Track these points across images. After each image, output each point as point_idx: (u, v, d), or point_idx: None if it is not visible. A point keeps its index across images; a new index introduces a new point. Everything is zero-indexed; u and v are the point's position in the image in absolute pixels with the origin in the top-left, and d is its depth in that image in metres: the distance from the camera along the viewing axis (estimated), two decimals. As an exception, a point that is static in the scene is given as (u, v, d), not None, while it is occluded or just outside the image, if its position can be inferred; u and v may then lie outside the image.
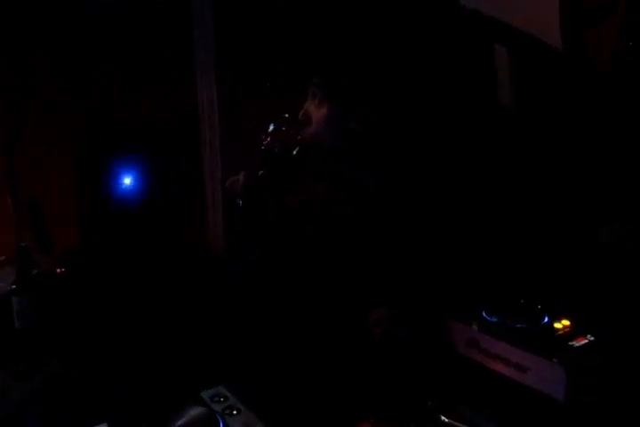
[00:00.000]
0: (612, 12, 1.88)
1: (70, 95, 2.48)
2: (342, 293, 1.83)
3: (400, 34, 1.94)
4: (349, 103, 1.79)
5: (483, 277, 1.83)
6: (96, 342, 1.83)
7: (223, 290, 2.01)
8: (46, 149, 2.42)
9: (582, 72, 1.93)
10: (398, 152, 1.91)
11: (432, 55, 1.99)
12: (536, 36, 1.90)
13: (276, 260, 1.85)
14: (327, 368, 1.62)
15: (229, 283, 2.00)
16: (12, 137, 2.33)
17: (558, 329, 1.61)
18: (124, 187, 2.33)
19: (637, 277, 1.73)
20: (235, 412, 1.37)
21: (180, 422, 1.27)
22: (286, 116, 1.81)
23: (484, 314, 1.66)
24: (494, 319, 1.64)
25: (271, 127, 1.78)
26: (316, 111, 1.82)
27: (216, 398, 1.42)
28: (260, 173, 1.76)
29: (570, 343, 1.55)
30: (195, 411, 1.31)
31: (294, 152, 1.75)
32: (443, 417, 1.43)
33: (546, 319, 1.64)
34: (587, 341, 1.57)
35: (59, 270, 2.11)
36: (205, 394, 1.44)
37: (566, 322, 1.63)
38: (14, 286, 1.90)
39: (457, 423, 1.42)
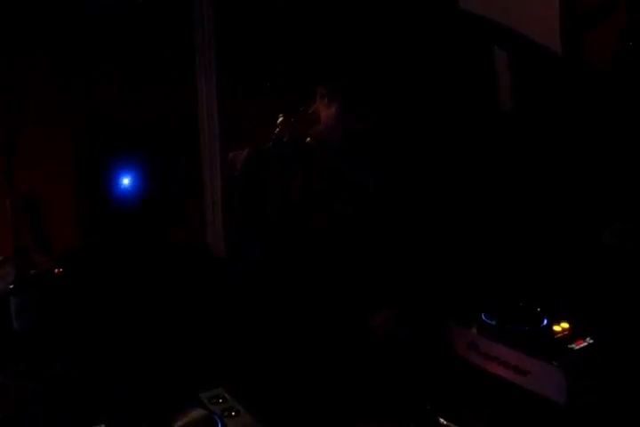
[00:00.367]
0: (612, 13, 1.87)
1: (70, 95, 2.48)
2: (343, 293, 1.83)
3: (400, 36, 1.94)
4: (350, 103, 1.80)
5: (482, 280, 1.83)
6: (95, 343, 1.83)
7: (223, 290, 2.01)
8: (45, 149, 2.41)
9: (581, 75, 1.93)
10: (398, 153, 1.92)
11: (432, 58, 1.99)
12: (535, 39, 1.90)
13: (274, 252, 1.85)
14: (327, 370, 1.62)
15: (229, 283, 2.00)
16: (12, 137, 2.33)
17: (557, 332, 1.61)
18: (123, 187, 2.33)
19: (637, 279, 1.72)
20: (233, 413, 1.37)
21: (179, 424, 1.27)
22: (301, 109, 1.83)
23: (483, 317, 1.66)
24: (494, 322, 1.64)
25: (280, 118, 1.80)
26: (324, 110, 1.83)
27: (215, 400, 1.42)
28: (268, 145, 1.77)
29: (569, 346, 1.55)
30: (194, 412, 1.31)
31: (306, 140, 1.77)
32: (442, 419, 1.42)
33: (545, 322, 1.64)
34: (586, 343, 1.57)
35: (57, 270, 2.11)
36: (204, 396, 1.43)
37: (565, 325, 1.63)
38: (12, 286, 1.90)
39: (456, 426, 1.41)
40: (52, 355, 1.83)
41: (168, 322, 1.91)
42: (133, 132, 2.48)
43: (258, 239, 1.91)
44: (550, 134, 1.99)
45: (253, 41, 2.38)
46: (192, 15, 2.51)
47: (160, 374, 1.64)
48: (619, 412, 1.44)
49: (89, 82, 2.50)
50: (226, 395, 1.44)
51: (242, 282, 1.99)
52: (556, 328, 1.62)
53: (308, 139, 1.81)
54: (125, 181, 2.33)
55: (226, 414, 1.37)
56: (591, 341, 1.57)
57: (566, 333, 1.61)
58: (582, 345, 1.56)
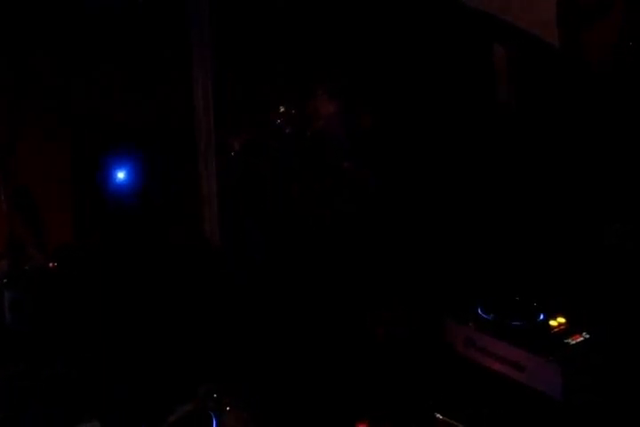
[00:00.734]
0: (610, 10, 1.87)
1: (70, 95, 2.49)
2: (343, 292, 1.83)
3: (400, 33, 1.94)
4: (350, 101, 1.81)
5: (479, 275, 1.83)
6: (91, 338, 1.83)
7: (219, 285, 2.01)
8: (44, 147, 2.41)
9: (581, 72, 1.93)
10: (398, 153, 1.92)
11: (431, 54, 1.99)
12: (534, 35, 1.90)
13: (275, 245, 1.86)
14: (324, 367, 1.62)
15: (226, 279, 2.00)
16: (10, 132, 2.33)
17: (554, 327, 1.61)
18: (119, 182, 2.33)
19: (634, 275, 1.72)
20: (228, 409, 1.37)
21: (172, 419, 1.27)
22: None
23: (479, 312, 1.66)
24: (490, 317, 1.64)
25: (282, 108, 1.80)
26: (324, 108, 1.84)
27: (209, 395, 1.42)
28: (268, 131, 1.77)
29: (565, 341, 1.55)
30: (188, 407, 1.31)
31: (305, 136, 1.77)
32: (438, 415, 1.42)
33: (541, 317, 1.64)
34: (582, 338, 1.57)
35: (52, 265, 2.11)
36: (199, 391, 1.44)
37: (562, 320, 1.63)
38: (6, 281, 1.90)
39: (453, 421, 1.41)
40: (52, 355, 1.83)
41: (164, 317, 1.91)
42: (130, 128, 2.48)
43: (258, 233, 1.91)
44: (550, 133, 1.99)
45: (252, 40, 2.38)
46: (190, 15, 2.51)
47: (155, 369, 1.64)
48: (615, 407, 1.44)
49: (89, 82, 2.50)
50: (220, 390, 1.44)
51: (242, 282, 1.99)
52: (553, 323, 1.62)
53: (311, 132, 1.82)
54: (121, 176, 2.33)
55: (220, 409, 1.37)
56: (587, 336, 1.57)
57: (562, 328, 1.61)
58: (578, 340, 1.56)
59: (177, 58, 2.56)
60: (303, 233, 1.90)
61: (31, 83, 2.45)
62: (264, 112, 1.93)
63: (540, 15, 1.89)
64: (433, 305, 1.78)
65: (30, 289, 1.92)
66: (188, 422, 1.27)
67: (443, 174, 1.95)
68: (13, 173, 2.26)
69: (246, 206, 1.94)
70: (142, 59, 2.52)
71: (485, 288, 1.78)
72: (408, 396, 1.50)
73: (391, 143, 1.91)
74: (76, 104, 2.49)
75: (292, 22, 2.23)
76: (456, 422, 1.41)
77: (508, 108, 2.05)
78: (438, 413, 1.42)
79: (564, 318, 1.63)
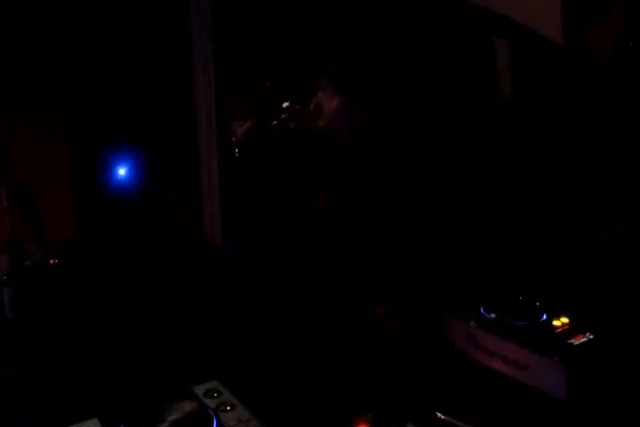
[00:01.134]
0: (610, 9, 1.87)
1: (70, 95, 2.48)
2: (342, 289, 1.83)
3: (402, 27, 1.94)
4: (354, 94, 1.80)
5: (481, 274, 1.82)
6: (90, 337, 1.82)
7: (218, 282, 2.00)
8: (44, 144, 2.41)
9: (582, 69, 1.92)
10: (399, 153, 1.91)
11: (431, 50, 1.99)
12: (537, 31, 1.90)
13: (276, 239, 1.85)
14: (324, 364, 1.61)
15: (226, 277, 1.99)
16: (9, 134, 2.33)
17: (557, 327, 1.60)
18: (119, 180, 2.33)
19: (636, 275, 1.72)
20: (229, 408, 1.35)
21: (172, 418, 1.25)
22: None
23: (482, 311, 1.65)
24: (492, 316, 1.63)
25: (285, 104, 1.79)
26: (327, 102, 1.83)
27: (210, 394, 1.40)
28: (273, 123, 1.76)
29: (569, 341, 1.54)
30: (188, 406, 1.29)
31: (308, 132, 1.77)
32: (439, 414, 1.41)
33: (544, 317, 1.63)
34: (586, 339, 1.56)
35: (52, 261, 2.10)
36: (199, 389, 1.42)
37: (565, 320, 1.62)
38: (6, 277, 1.89)
39: (454, 421, 1.40)
40: (52, 355, 1.82)
41: (163, 314, 1.90)
42: (133, 131, 2.48)
43: (260, 231, 1.91)
44: (550, 132, 1.99)
45: (253, 38, 2.38)
46: (191, 14, 2.52)
47: (153, 366, 1.63)
48: (618, 408, 1.43)
49: (89, 82, 2.50)
50: (221, 388, 1.43)
51: (242, 281, 1.98)
52: (556, 323, 1.61)
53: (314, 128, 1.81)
54: (121, 173, 2.33)
55: (221, 408, 1.35)
56: (591, 336, 1.56)
57: (566, 327, 1.60)
58: (582, 340, 1.55)
59: (177, 58, 2.56)
60: (305, 232, 1.89)
61: (31, 83, 2.44)
62: (267, 108, 1.93)
63: (542, 10, 1.88)
64: (434, 304, 1.78)
65: (30, 285, 1.91)
66: (188, 421, 1.25)
67: (444, 173, 1.95)
68: (13, 171, 2.25)
69: (248, 204, 1.94)
70: (142, 59, 2.52)
71: (488, 287, 1.77)
72: (408, 395, 1.48)
73: (392, 142, 1.91)
74: (76, 104, 2.48)
75: (293, 20, 2.23)
76: (457, 421, 1.40)
77: (509, 105, 2.05)
78: (439, 412, 1.41)
79: (568, 318, 1.62)
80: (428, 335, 1.71)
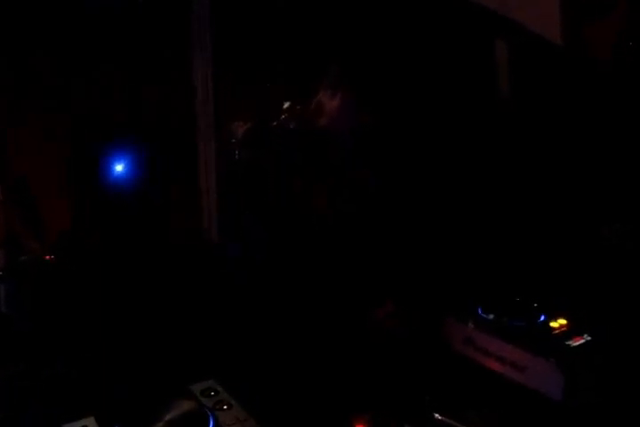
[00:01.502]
0: (612, 9, 1.87)
1: (70, 95, 2.49)
2: (342, 290, 1.82)
3: (400, 29, 1.94)
4: (356, 94, 1.80)
5: (480, 275, 1.82)
6: (86, 333, 1.82)
7: (215, 280, 2.00)
8: (40, 139, 2.42)
9: (582, 68, 1.92)
10: (399, 153, 1.91)
11: (431, 50, 1.99)
12: (536, 31, 1.90)
13: (276, 240, 1.85)
14: (321, 364, 1.61)
15: (226, 277, 1.99)
16: (9, 134, 2.34)
17: (555, 328, 1.59)
18: (118, 177, 2.33)
19: (635, 276, 1.71)
20: (225, 407, 1.35)
21: (168, 417, 1.24)
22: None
23: (480, 312, 1.65)
24: (490, 317, 1.63)
25: (286, 104, 1.79)
26: (329, 102, 1.82)
27: (206, 393, 1.40)
28: (273, 124, 1.76)
29: (567, 343, 1.54)
30: (184, 405, 1.29)
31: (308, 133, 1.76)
32: (437, 415, 1.41)
33: (542, 318, 1.63)
34: (583, 340, 1.55)
35: (48, 257, 2.10)
36: (195, 388, 1.41)
37: (563, 321, 1.61)
38: (2, 273, 1.89)
39: (451, 421, 1.40)
40: (52, 355, 1.83)
41: (160, 312, 1.90)
42: (133, 130, 2.49)
43: (260, 228, 1.90)
44: (550, 132, 1.99)
45: (253, 39, 2.39)
46: (190, 14, 2.52)
47: (150, 365, 1.63)
48: (615, 408, 1.43)
49: (89, 82, 2.51)
50: (218, 387, 1.42)
51: (242, 281, 1.98)
52: (554, 324, 1.60)
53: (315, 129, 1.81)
54: (119, 168, 2.33)
55: (217, 407, 1.35)
56: (589, 338, 1.56)
57: (564, 329, 1.59)
58: (580, 342, 1.55)
59: (177, 58, 2.57)
60: (305, 232, 1.89)
61: (31, 83, 2.45)
62: (266, 108, 1.93)
63: (542, 10, 1.89)
64: (433, 305, 1.78)
65: (27, 281, 1.92)
66: (185, 420, 1.25)
67: (443, 173, 1.95)
68: (11, 168, 2.26)
69: (248, 204, 1.93)
70: (142, 59, 2.52)
71: (486, 288, 1.77)
72: (406, 395, 1.48)
73: (392, 142, 1.91)
74: (76, 104, 2.49)
75: (292, 20, 2.23)
76: (455, 422, 1.39)
77: (508, 104, 2.05)
78: (437, 413, 1.41)
79: (565, 319, 1.62)
80: (428, 336, 1.71)
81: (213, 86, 2.48)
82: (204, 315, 1.89)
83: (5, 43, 2.36)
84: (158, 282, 2.05)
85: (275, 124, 1.84)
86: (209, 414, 1.27)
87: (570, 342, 1.54)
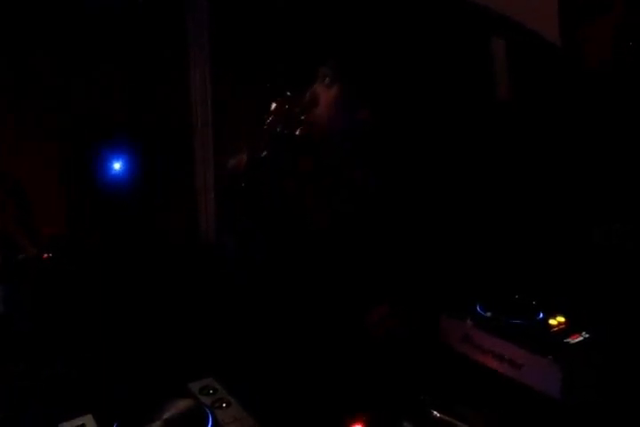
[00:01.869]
0: (610, 9, 1.87)
1: (70, 95, 2.49)
2: (341, 290, 1.83)
3: (396, 27, 1.94)
4: (360, 86, 1.79)
5: (478, 273, 1.82)
6: (84, 332, 1.82)
7: (213, 278, 2.00)
8: (40, 139, 2.42)
9: (580, 69, 1.92)
10: (398, 153, 1.91)
11: (428, 49, 1.99)
12: (534, 30, 1.90)
13: (274, 246, 1.85)
14: (319, 362, 1.61)
15: (226, 277, 1.99)
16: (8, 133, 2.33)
17: (553, 326, 1.60)
18: (117, 177, 2.33)
19: (634, 274, 1.72)
20: (224, 405, 1.35)
21: (166, 416, 1.25)
22: (288, 94, 1.82)
23: (478, 309, 1.65)
24: (489, 315, 1.63)
25: (273, 105, 1.79)
26: (324, 92, 1.82)
27: (205, 391, 1.40)
28: (264, 154, 1.76)
29: (565, 340, 1.54)
30: (182, 404, 1.29)
31: (297, 132, 1.76)
32: (435, 412, 1.41)
33: (540, 315, 1.63)
34: (582, 338, 1.56)
35: (45, 256, 2.10)
36: (194, 386, 1.42)
37: (561, 319, 1.62)
38: None
39: (450, 419, 1.40)
40: (52, 355, 1.83)
41: (158, 310, 1.90)
42: (132, 130, 2.49)
43: (256, 232, 1.90)
44: (550, 131, 1.99)
45: (251, 39, 2.39)
46: (189, 15, 2.52)
47: (147, 363, 1.63)
48: (614, 406, 1.43)
49: (89, 82, 2.51)
50: (217, 385, 1.42)
51: (242, 281, 1.98)
52: (552, 322, 1.61)
53: (300, 129, 1.80)
54: (115, 166, 2.34)
55: (216, 405, 1.35)
56: (587, 335, 1.56)
57: (562, 327, 1.60)
58: (578, 340, 1.55)
59: (177, 58, 2.57)
60: (301, 233, 1.89)
61: (31, 83, 2.45)
62: (263, 110, 1.92)
63: (541, 9, 1.88)
64: (432, 304, 1.78)
65: (24, 280, 1.92)
66: (184, 418, 1.25)
67: (441, 176, 1.95)
68: (5, 167, 2.26)
69: (242, 208, 1.93)
70: (142, 59, 2.52)
71: (484, 286, 1.77)
72: (405, 393, 1.49)
73: (390, 141, 1.91)
74: (76, 104, 2.49)
75: (290, 21, 2.23)
76: (453, 419, 1.40)
77: (506, 104, 2.05)
78: (435, 410, 1.41)
79: (564, 317, 1.62)
80: (424, 334, 1.71)
81: (212, 86, 2.48)
82: (202, 314, 1.89)
83: (5, 43, 2.36)
84: (157, 281, 2.05)
85: (269, 126, 1.84)
86: (208, 412, 1.27)
87: (568, 340, 1.54)
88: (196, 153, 2.49)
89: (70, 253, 2.16)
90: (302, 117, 1.80)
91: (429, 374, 1.58)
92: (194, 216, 2.45)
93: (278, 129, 1.78)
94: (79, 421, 1.30)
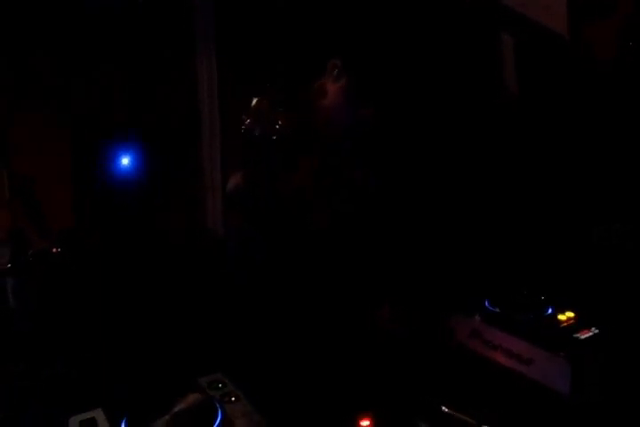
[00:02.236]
0: (614, 10, 1.88)
1: (70, 95, 2.48)
2: (342, 290, 1.82)
3: (403, 21, 1.93)
4: (367, 82, 1.79)
5: (486, 268, 1.82)
6: (93, 326, 1.81)
7: (222, 274, 2.00)
8: (43, 131, 2.41)
9: (584, 68, 1.93)
10: (399, 153, 1.91)
11: (436, 43, 1.99)
12: (543, 24, 1.90)
13: (274, 248, 1.84)
14: (328, 358, 1.60)
15: (226, 277, 1.99)
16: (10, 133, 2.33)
17: (562, 321, 1.59)
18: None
19: (634, 273, 1.72)
20: (233, 399, 1.35)
21: (177, 409, 1.24)
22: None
23: (487, 305, 1.65)
24: (497, 310, 1.62)
25: (254, 101, 1.78)
26: (332, 84, 1.82)
27: (214, 385, 1.40)
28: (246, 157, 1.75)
29: (575, 336, 1.53)
30: (192, 398, 1.29)
31: (274, 137, 1.75)
32: (444, 408, 1.40)
33: (550, 311, 1.62)
34: (591, 333, 1.55)
35: (54, 250, 2.10)
36: (203, 380, 1.42)
37: (571, 314, 1.61)
38: (9, 267, 1.88)
39: (459, 414, 1.39)
40: (52, 355, 1.82)
41: (167, 306, 1.89)
42: (133, 131, 2.48)
43: (258, 237, 1.90)
44: (555, 129, 1.99)
45: (256, 39, 2.39)
46: (193, 14, 2.52)
47: (158, 358, 1.62)
48: (623, 403, 1.43)
49: (89, 82, 2.50)
50: (225, 380, 1.42)
51: (242, 281, 1.97)
52: (561, 317, 1.60)
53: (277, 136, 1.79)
54: (123, 163, 2.33)
55: (225, 399, 1.35)
56: (596, 331, 1.56)
57: (571, 322, 1.59)
58: (588, 335, 1.54)
59: (177, 58, 2.57)
60: (303, 232, 1.88)
61: (31, 83, 2.44)
62: (268, 108, 1.92)
63: (549, 4, 1.89)
64: (435, 303, 1.77)
65: (34, 274, 1.91)
66: (194, 412, 1.24)
67: (446, 170, 1.95)
68: (15, 164, 2.25)
69: (242, 204, 1.93)
70: (142, 59, 2.52)
71: (493, 281, 1.77)
72: (412, 389, 1.48)
73: (391, 141, 1.90)
74: (76, 104, 2.49)
75: (293, 20, 2.23)
76: (462, 415, 1.39)
77: (513, 100, 2.05)
78: (444, 406, 1.40)
79: (573, 312, 1.61)
80: (432, 332, 1.71)
81: (218, 83, 2.48)
82: (212, 311, 1.89)
83: (5, 43, 2.35)
84: (163, 280, 2.05)
85: (269, 124, 1.83)
86: (217, 405, 1.27)
87: (577, 335, 1.54)
88: (204, 151, 2.49)
89: (78, 247, 2.16)
90: (279, 122, 1.79)
91: (438, 370, 1.57)
92: (193, 216, 2.45)
93: (257, 133, 1.76)
94: (89, 414, 1.29)
